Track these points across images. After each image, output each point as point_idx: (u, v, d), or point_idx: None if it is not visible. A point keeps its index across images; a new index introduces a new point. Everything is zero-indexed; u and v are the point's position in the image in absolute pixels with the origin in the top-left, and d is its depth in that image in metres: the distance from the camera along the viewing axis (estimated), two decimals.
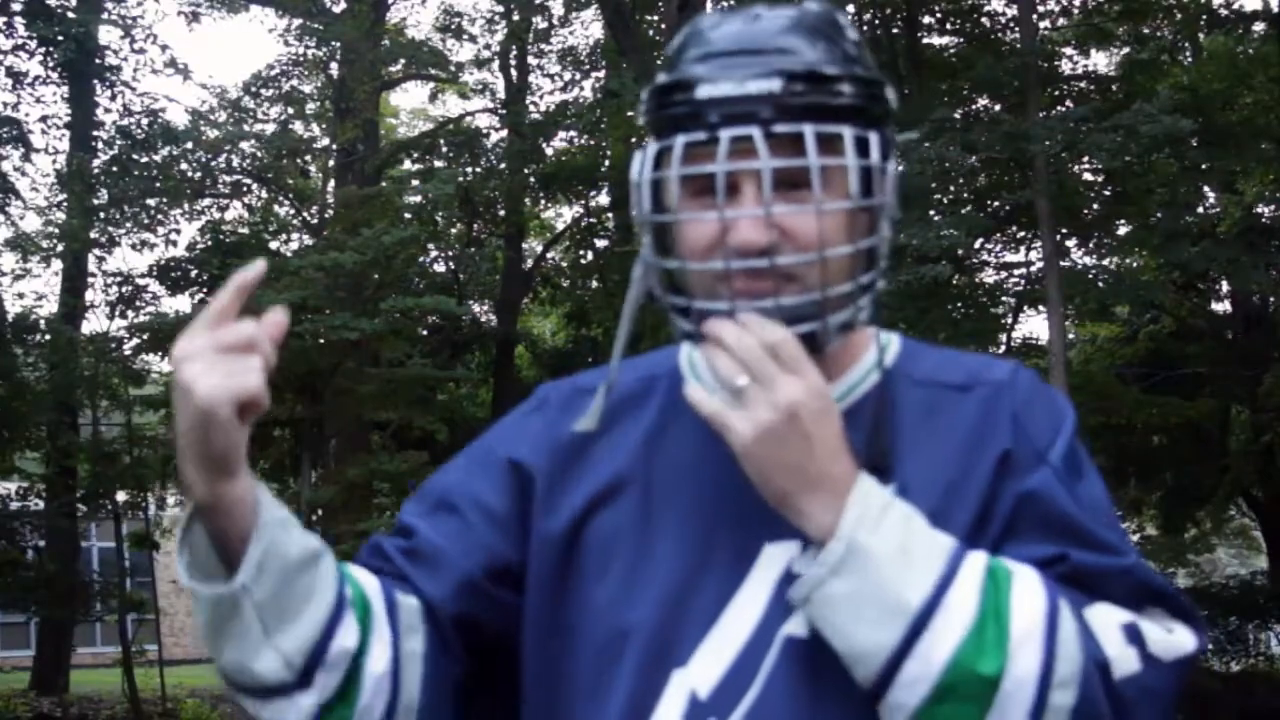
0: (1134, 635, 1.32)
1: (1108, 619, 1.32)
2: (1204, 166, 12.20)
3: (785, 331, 1.28)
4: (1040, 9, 12.29)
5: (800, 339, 1.31)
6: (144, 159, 13.23)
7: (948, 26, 12.71)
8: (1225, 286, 14.34)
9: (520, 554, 1.46)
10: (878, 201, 1.36)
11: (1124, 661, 1.30)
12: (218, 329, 1.23)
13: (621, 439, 1.48)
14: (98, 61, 14.39)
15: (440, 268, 15.87)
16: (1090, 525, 1.36)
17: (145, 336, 13.65)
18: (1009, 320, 14.18)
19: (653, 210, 1.38)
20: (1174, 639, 1.35)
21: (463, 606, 1.44)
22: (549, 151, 15.30)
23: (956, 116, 11.65)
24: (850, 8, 11.62)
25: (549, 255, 17.03)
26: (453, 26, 15.45)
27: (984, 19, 12.45)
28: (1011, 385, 1.44)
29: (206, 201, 13.97)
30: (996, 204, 12.85)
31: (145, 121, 13.54)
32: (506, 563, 1.46)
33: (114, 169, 13.47)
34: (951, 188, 12.10)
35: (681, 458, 1.44)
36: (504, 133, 15.44)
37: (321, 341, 12.35)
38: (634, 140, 15.06)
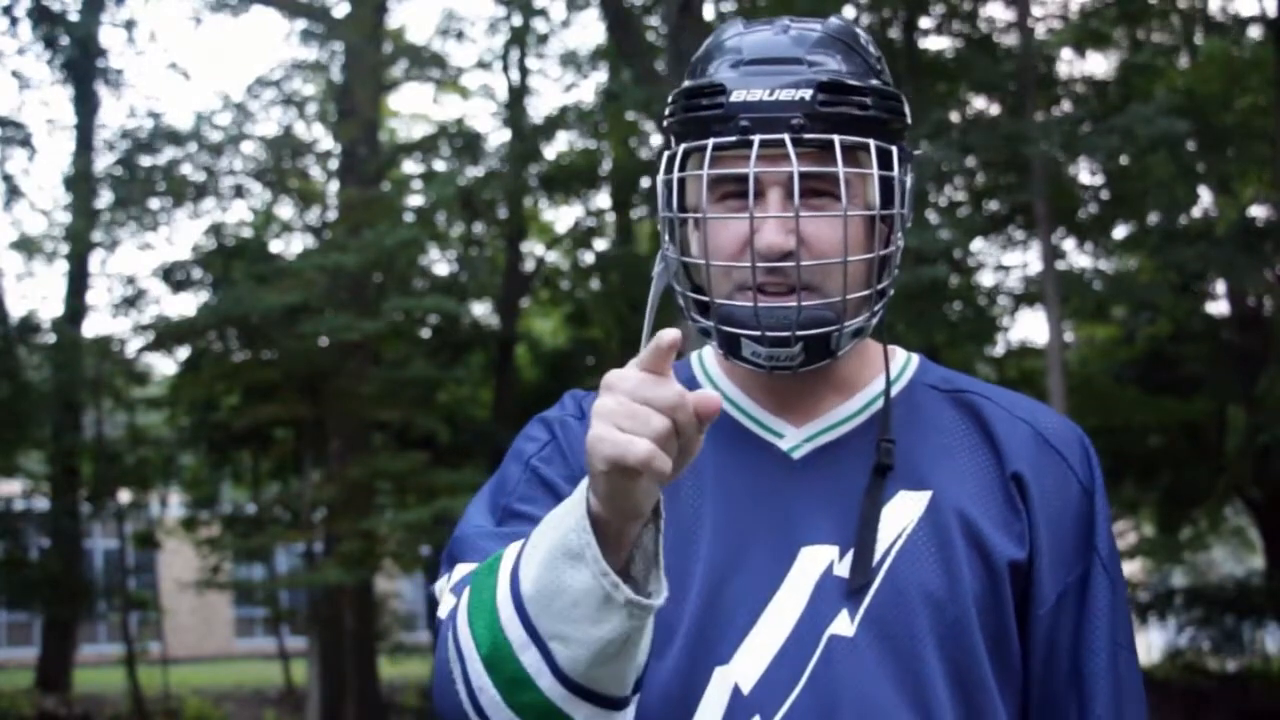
0: None
1: None
2: (1200, 168, 12.26)
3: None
4: (1037, 12, 12.33)
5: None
6: (149, 163, 13.27)
7: (943, 30, 12.75)
8: (1222, 288, 14.40)
9: None
10: (897, 211, 1.41)
11: None
12: (644, 383, 1.16)
13: None
14: (100, 64, 14.43)
15: (441, 269, 15.93)
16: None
17: (148, 338, 13.70)
18: (1006, 321, 14.25)
19: (669, 210, 1.41)
20: None
21: None
22: (550, 155, 15.34)
23: (954, 119, 11.70)
24: (850, 10, 11.66)
25: (549, 256, 17.07)
26: (454, 32, 15.46)
27: (982, 22, 12.50)
28: (1032, 426, 1.47)
29: (209, 203, 13.99)
30: (994, 205, 12.91)
31: (148, 124, 13.58)
32: None
33: (117, 171, 13.52)
34: (948, 189, 12.16)
35: (707, 463, 1.44)
36: (505, 134, 15.49)
37: (323, 342, 12.42)
38: (633, 142, 15.13)
